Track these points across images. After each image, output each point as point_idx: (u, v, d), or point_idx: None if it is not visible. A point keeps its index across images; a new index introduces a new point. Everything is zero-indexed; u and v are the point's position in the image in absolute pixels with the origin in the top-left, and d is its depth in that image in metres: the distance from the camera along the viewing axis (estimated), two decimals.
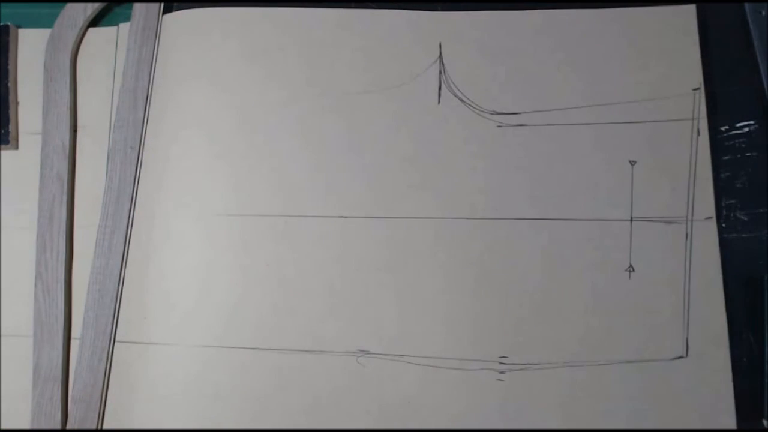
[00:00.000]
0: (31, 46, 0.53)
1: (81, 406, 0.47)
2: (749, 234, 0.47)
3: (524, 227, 0.47)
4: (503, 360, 0.46)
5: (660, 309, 0.45)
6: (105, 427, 0.46)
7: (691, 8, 0.49)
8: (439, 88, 0.49)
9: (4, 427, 0.48)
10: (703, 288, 0.45)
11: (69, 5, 0.52)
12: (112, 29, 0.53)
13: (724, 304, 0.45)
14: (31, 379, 0.47)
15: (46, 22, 0.52)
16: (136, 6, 0.52)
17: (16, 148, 0.52)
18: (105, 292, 0.48)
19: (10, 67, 0.52)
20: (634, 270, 0.46)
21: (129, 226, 0.49)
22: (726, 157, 0.47)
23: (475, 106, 0.49)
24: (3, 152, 0.52)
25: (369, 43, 0.50)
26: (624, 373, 0.45)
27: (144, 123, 0.50)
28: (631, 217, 0.46)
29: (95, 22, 0.53)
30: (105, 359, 0.47)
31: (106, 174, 0.50)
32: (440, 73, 0.49)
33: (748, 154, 0.47)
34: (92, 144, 0.51)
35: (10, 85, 0.52)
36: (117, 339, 0.48)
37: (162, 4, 0.52)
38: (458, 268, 0.47)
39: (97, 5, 0.52)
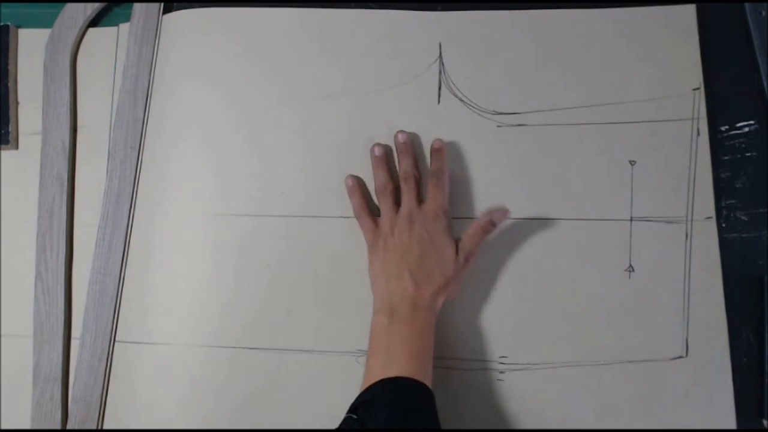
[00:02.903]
0: (31, 46, 0.53)
1: (81, 405, 0.47)
2: (749, 234, 0.46)
3: (524, 227, 0.47)
4: (503, 360, 0.46)
5: (660, 309, 0.45)
6: (105, 427, 0.46)
7: (691, 8, 0.49)
8: (439, 88, 0.49)
9: (4, 427, 0.48)
10: (702, 288, 0.45)
11: (69, 5, 0.52)
12: (112, 29, 0.53)
13: (723, 304, 0.45)
14: (31, 379, 0.47)
15: (46, 22, 0.52)
16: (136, 6, 0.52)
17: (16, 148, 0.52)
18: (105, 292, 0.48)
19: (10, 67, 0.52)
20: (634, 270, 0.46)
21: (129, 226, 0.49)
22: (726, 157, 0.47)
23: (475, 106, 0.49)
24: (3, 152, 0.52)
25: (369, 43, 0.50)
26: (624, 373, 0.45)
27: (144, 123, 0.50)
28: (631, 217, 0.46)
29: (95, 22, 0.53)
30: (105, 359, 0.47)
31: (107, 174, 0.50)
32: (440, 73, 0.49)
33: (748, 154, 0.47)
34: (92, 144, 0.51)
35: (10, 85, 0.52)
36: (117, 339, 0.48)
37: (162, 5, 0.52)
38: None
39: (96, 5, 0.52)
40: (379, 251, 0.44)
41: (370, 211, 0.46)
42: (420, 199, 0.46)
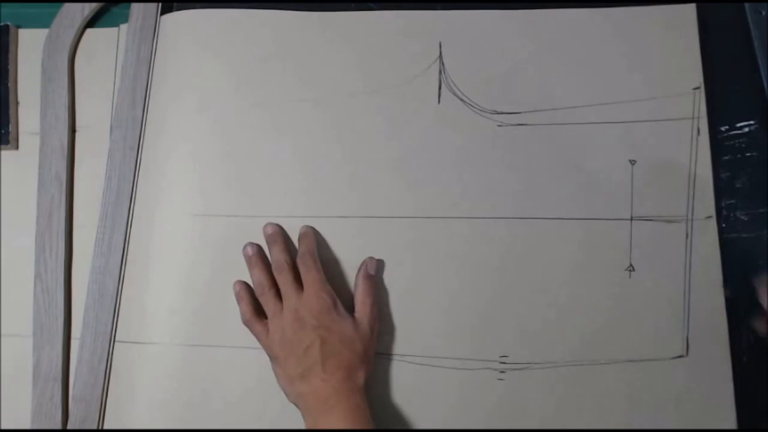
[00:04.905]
0: (31, 46, 0.52)
1: (81, 405, 0.47)
2: (749, 234, 0.46)
3: (525, 226, 0.47)
4: (503, 360, 0.46)
5: (660, 308, 0.45)
6: (105, 426, 0.46)
7: (692, 8, 0.49)
8: (439, 88, 0.49)
9: (4, 427, 0.48)
10: (703, 287, 0.45)
11: (66, 5, 0.52)
12: (111, 30, 0.53)
13: (724, 304, 0.45)
14: (31, 379, 0.47)
15: (47, 22, 0.52)
16: (134, 6, 0.51)
17: (16, 148, 0.52)
18: (105, 292, 0.48)
19: (10, 67, 0.52)
20: (634, 269, 0.46)
21: (128, 226, 0.49)
22: (726, 157, 0.47)
23: (475, 105, 0.49)
24: (3, 152, 0.52)
25: (369, 44, 0.50)
26: (624, 372, 0.45)
27: (143, 123, 0.50)
28: (631, 217, 0.46)
29: (94, 22, 0.53)
30: (105, 359, 0.47)
31: (106, 174, 0.50)
32: (440, 73, 0.49)
33: (748, 154, 0.47)
34: (91, 144, 0.51)
35: (9, 85, 0.52)
36: (117, 339, 0.48)
37: (160, 5, 0.52)
38: (459, 267, 0.47)
39: (94, 5, 0.52)
40: (279, 359, 0.42)
41: (258, 315, 0.44)
42: (299, 286, 0.44)
